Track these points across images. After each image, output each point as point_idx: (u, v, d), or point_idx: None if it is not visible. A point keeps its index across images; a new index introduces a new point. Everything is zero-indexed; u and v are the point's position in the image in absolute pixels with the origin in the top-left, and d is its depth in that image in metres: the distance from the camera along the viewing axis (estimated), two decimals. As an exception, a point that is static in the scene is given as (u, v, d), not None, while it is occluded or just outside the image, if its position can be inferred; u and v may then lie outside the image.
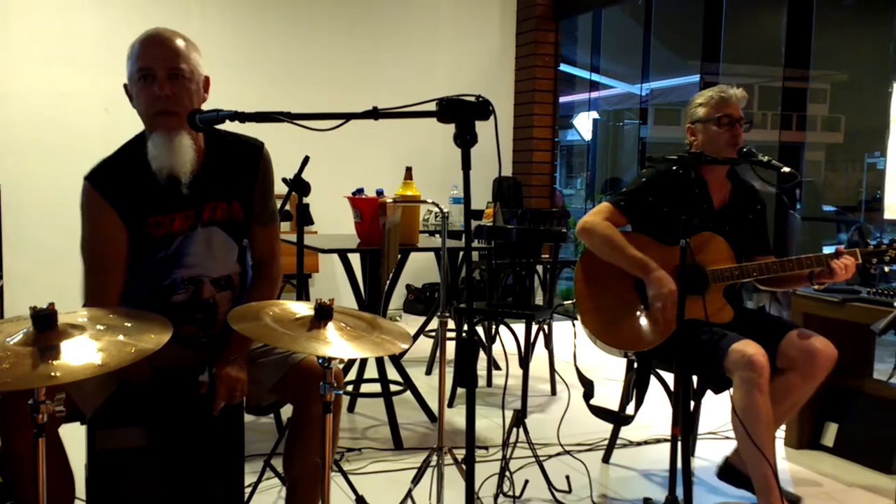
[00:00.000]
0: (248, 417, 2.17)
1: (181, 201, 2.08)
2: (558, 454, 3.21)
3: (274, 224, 2.29)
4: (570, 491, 2.88)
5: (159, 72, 2.00)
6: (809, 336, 2.64)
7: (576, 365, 2.97)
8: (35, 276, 5.06)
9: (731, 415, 2.56)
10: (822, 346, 2.61)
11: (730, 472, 2.84)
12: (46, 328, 1.56)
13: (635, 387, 2.91)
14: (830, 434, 3.37)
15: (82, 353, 1.53)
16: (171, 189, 2.07)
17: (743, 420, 2.48)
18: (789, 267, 2.71)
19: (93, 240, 2.07)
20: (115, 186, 2.05)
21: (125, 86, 2.09)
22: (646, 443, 3.47)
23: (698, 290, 2.69)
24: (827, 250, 2.77)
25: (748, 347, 2.52)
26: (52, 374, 1.46)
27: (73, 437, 1.98)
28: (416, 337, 4.78)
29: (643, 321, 2.77)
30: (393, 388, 3.62)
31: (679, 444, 2.35)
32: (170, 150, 2.02)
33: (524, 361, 3.85)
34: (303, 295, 2.92)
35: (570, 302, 2.97)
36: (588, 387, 2.94)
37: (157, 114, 2.01)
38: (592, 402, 2.96)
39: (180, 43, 2.05)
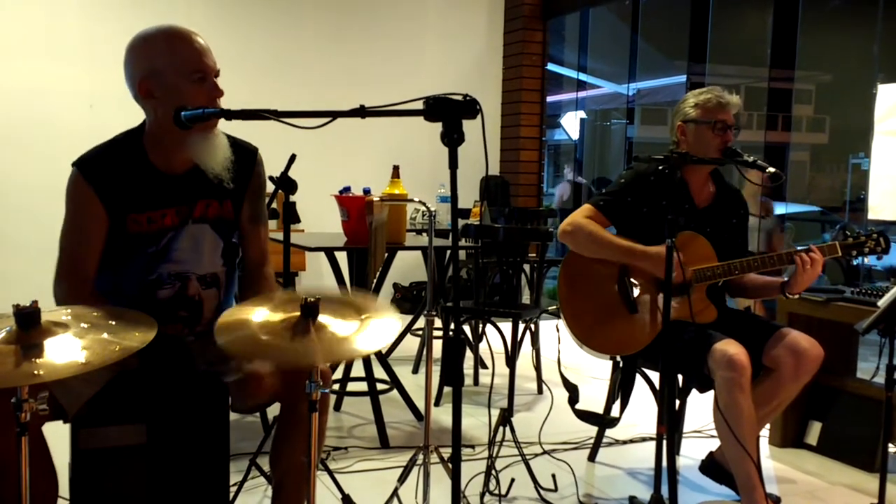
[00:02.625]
0: (233, 416, 2.15)
1: (173, 197, 2.08)
2: (544, 453, 3.21)
3: (265, 225, 2.32)
4: (555, 489, 2.89)
5: (212, 73, 2.04)
6: (796, 336, 2.65)
7: (560, 371, 2.97)
8: (18, 274, 5.01)
9: (713, 414, 2.57)
10: (808, 346, 2.62)
11: (713, 467, 2.85)
12: (30, 326, 1.54)
13: (620, 387, 2.92)
14: (814, 432, 3.39)
15: (66, 351, 1.52)
16: (162, 185, 2.06)
17: (726, 418, 2.49)
18: (770, 263, 2.72)
19: (73, 226, 2.07)
20: (105, 177, 2.04)
21: (142, 81, 2.01)
22: (631, 441, 3.48)
23: (682, 291, 2.69)
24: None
25: (730, 347, 2.53)
26: (36, 372, 1.45)
27: (56, 435, 1.96)
28: (402, 336, 4.77)
29: (627, 325, 2.77)
30: (379, 386, 3.61)
31: (664, 442, 2.36)
32: (215, 148, 2.05)
33: (511, 360, 3.86)
34: (289, 293, 2.90)
35: (554, 307, 2.97)
36: (572, 392, 2.95)
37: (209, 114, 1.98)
38: (578, 405, 2.96)
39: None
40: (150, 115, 2.08)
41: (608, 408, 3.08)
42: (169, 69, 2.01)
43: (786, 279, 2.72)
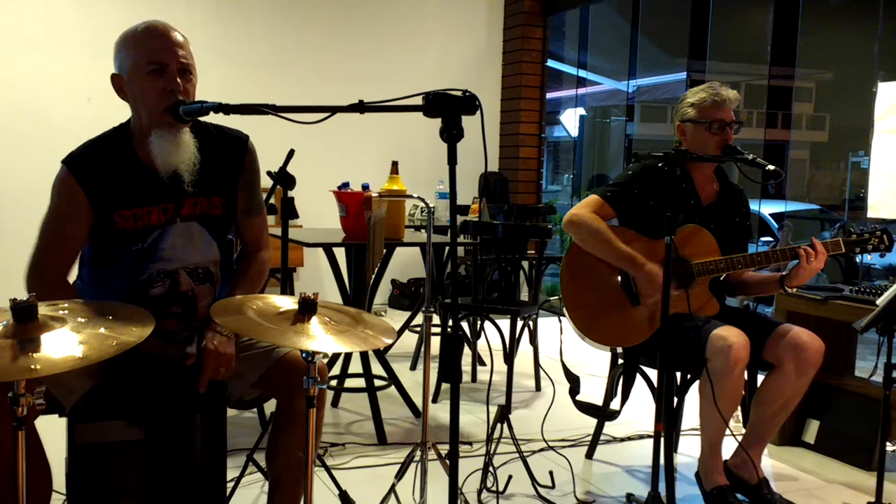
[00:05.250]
0: (231, 411, 2.16)
1: (160, 195, 2.06)
2: (542, 450, 3.21)
3: (261, 215, 2.29)
4: (553, 486, 2.89)
5: (172, 66, 1.97)
6: (796, 331, 2.67)
7: (562, 361, 2.97)
8: (15, 268, 5.01)
9: (699, 384, 2.63)
10: (809, 340, 2.64)
11: (728, 477, 2.85)
12: (27, 320, 1.54)
13: (621, 381, 2.92)
14: (812, 431, 3.39)
15: (63, 345, 1.51)
16: (150, 182, 2.05)
17: (714, 387, 2.52)
18: (773, 258, 2.73)
19: (55, 218, 2.05)
20: (93, 175, 2.02)
21: (114, 76, 2.05)
22: (629, 439, 3.48)
23: (683, 284, 2.70)
24: None
25: (730, 335, 2.54)
26: (33, 366, 1.44)
27: (51, 429, 1.96)
28: (400, 332, 4.77)
29: (629, 317, 2.77)
30: (377, 382, 3.61)
31: (662, 440, 2.36)
32: (176, 146, 2.01)
33: (509, 357, 3.86)
34: (287, 289, 2.90)
35: (555, 298, 2.97)
36: (574, 383, 2.95)
37: (167, 110, 1.96)
38: (578, 397, 2.97)
39: (182, 37, 2.03)
40: (132, 110, 2.08)
41: (607, 403, 3.08)
42: (132, 64, 2.00)
43: (784, 273, 2.73)
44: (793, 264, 2.71)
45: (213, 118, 2.02)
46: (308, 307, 1.79)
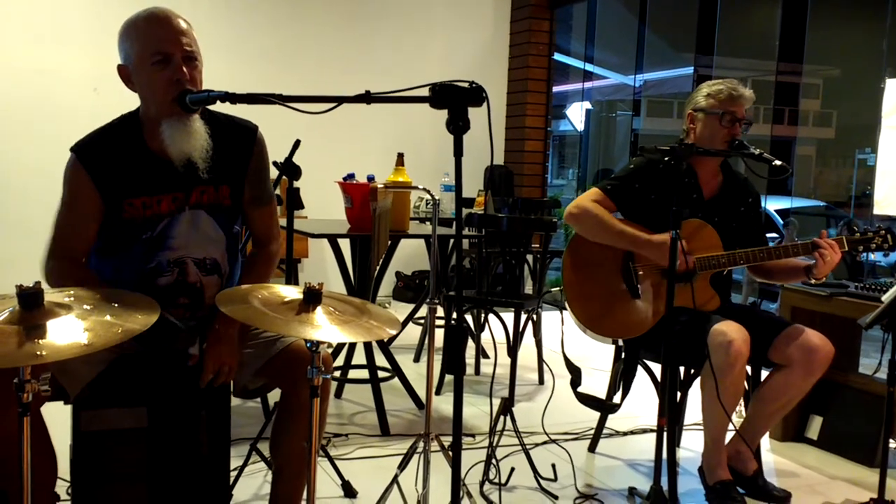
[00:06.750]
0: (234, 401, 2.16)
1: (170, 183, 2.06)
2: (544, 443, 3.22)
3: (271, 205, 2.29)
4: (555, 479, 2.89)
5: (176, 55, 1.96)
6: (807, 333, 2.66)
7: (563, 353, 2.98)
8: (21, 255, 5.02)
9: (700, 379, 2.64)
10: (820, 343, 2.64)
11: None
12: (32, 307, 1.55)
13: (622, 376, 2.93)
14: (815, 427, 3.39)
15: (69, 332, 1.52)
16: (160, 170, 2.05)
17: (718, 383, 2.51)
18: (776, 254, 2.73)
19: (68, 211, 2.06)
20: (102, 163, 2.02)
21: (121, 67, 2.04)
22: (632, 433, 3.48)
23: (685, 278, 2.70)
24: None
25: (730, 330, 2.54)
26: (38, 352, 1.45)
27: (57, 417, 1.97)
28: (404, 324, 4.77)
29: (630, 310, 2.78)
30: (381, 374, 3.62)
31: (665, 434, 2.36)
32: (188, 135, 2.00)
33: (512, 350, 3.86)
34: (292, 279, 2.90)
35: (557, 289, 2.98)
36: (575, 374, 2.96)
37: (174, 100, 1.96)
38: (579, 390, 2.97)
39: (185, 23, 2.02)
40: (141, 100, 2.08)
41: (609, 397, 3.09)
42: (137, 55, 1.99)
43: (811, 263, 2.71)
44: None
45: (220, 108, 2.02)
46: (313, 297, 1.80)
